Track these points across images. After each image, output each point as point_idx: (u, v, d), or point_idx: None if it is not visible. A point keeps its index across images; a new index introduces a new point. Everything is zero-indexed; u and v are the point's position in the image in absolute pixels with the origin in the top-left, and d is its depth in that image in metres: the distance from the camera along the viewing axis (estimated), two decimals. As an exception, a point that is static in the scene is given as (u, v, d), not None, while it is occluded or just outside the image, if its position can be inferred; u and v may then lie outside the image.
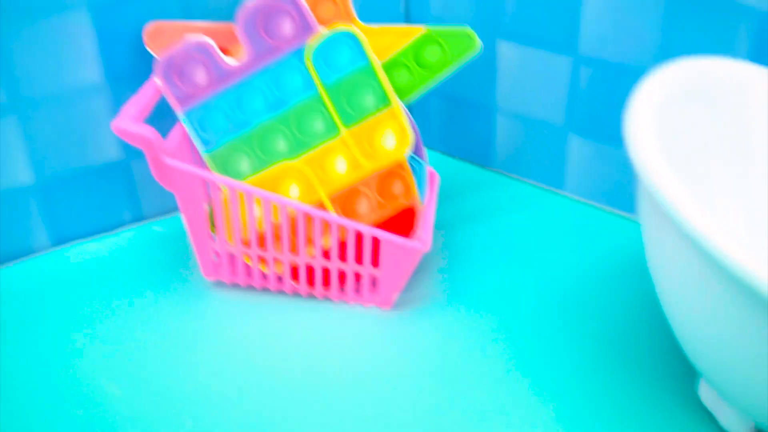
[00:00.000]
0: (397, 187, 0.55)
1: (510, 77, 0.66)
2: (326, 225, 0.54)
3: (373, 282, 0.56)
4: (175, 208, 0.66)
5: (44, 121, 0.58)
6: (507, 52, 0.65)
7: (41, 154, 0.59)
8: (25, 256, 0.62)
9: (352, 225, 0.53)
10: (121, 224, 0.65)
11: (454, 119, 0.71)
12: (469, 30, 0.54)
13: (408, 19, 0.71)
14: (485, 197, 0.68)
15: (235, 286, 0.58)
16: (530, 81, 0.65)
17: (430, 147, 0.74)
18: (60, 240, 0.63)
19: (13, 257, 0.61)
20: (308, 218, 0.54)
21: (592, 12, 0.59)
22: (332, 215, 0.53)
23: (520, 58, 0.65)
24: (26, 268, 0.61)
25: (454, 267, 0.60)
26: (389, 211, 0.55)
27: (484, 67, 0.66)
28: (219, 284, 0.58)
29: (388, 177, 0.54)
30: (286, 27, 0.52)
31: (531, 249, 0.62)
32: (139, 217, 0.65)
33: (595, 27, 0.59)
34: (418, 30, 0.55)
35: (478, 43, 0.54)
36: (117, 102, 0.60)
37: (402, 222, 0.55)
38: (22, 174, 0.59)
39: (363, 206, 0.55)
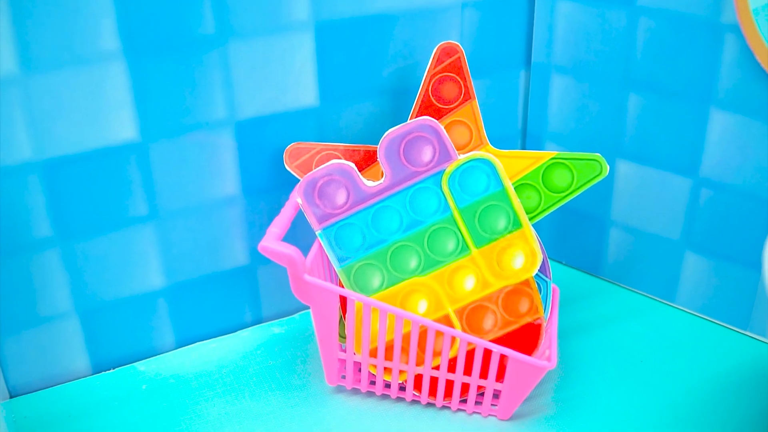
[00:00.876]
0: (524, 305, 0.56)
1: (626, 192, 0.66)
2: (453, 339, 0.55)
3: (495, 394, 0.57)
4: (294, 311, 0.68)
5: (180, 230, 0.60)
6: (625, 169, 0.66)
7: (174, 260, 0.61)
8: (153, 356, 0.63)
9: (481, 342, 0.54)
10: (242, 326, 0.66)
11: (567, 228, 0.72)
12: (598, 156, 0.55)
13: (524, 135, 0.72)
14: (597, 306, 0.68)
15: (356, 391, 0.59)
16: (647, 198, 0.65)
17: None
18: (185, 341, 0.64)
19: (141, 357, 0.63)
20: (436, 332, 0.55)
21: (715, 136, 0.60)
22: (460, 332, 0.54)
23: (638, 176, 0.65)
24: (153, 366, 0.62)
25: (568, 378, 0.60)
26: (514, 327, 0.56)
27: (602, 182, 0.67)
28: (340, 389, 0.59)
29: (514, 294, 0.55)
30: (426, 154, 0.54)
31: (644, 362, 0.62)
32: (259, 319, 0.67)
33: (718, 151, 0.60)
34: (549, 155, 0.56)
35: (607, 168, 0.55)
36: (249, 212, 0.62)
37: (525, 337, 0.56)
38: (154, 278, 0.61)
39: (488, 322, 0.56)
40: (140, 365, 0.63)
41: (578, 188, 0.56)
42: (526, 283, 0.55)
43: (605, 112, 0.65)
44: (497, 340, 0.55)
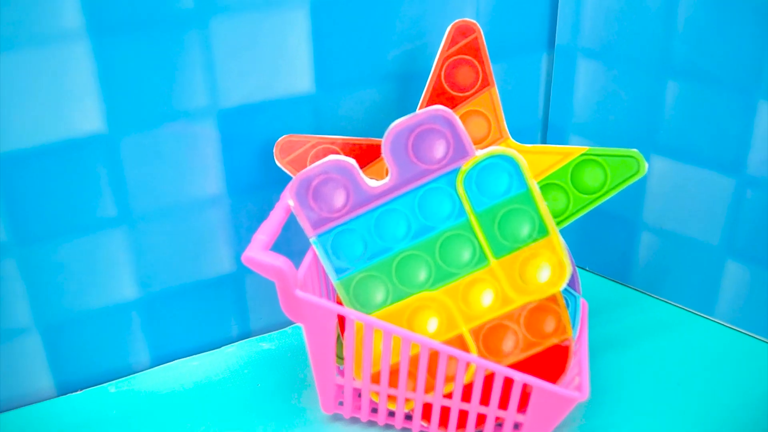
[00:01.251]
0: (549, 324, 0.49)
1: (660, 192, 0.60)
2: (467, 364, 0.48)
3: (516, 426, 0.50)
4: (286, 323, 0.62)
5: (155, 234, 0.54)
6: (660, 166, 0.60)
7: (148, 268, 0.55)
8: (125, 375, 0.57)
9: (500, 370, 0.47)
10: (227, 341, 0.59)
11: (593, 231, 0.65)
12: (636, 152, 0.49)
13: (545, 126, 0.67)
14: (627, 318, 0.62)
15: (355, 420, 0.52)
16: (683, 198, 0.59)
17: None
18: (162, 358, 0.58)
19: (112, 377, 0.57)
20: (449, 357, 0.48)
21: (764, 131, 0.54)
22: (476, 358, 0.47)
23: (674, 174, 0.59)
24: (125, 388, 0.56)
25: (597, 404, 0.54)
26: (538, 349, 0.49)
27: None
28: (337, 417, 0.53)
29: (539, 312, 0.49)
30: (439, 149, 0.47)
31: (681, 385, 0.55)
32: (246, 333, 0.60)
33: (766, 147, 0.54)
34: (579, 150, 0.50)
35: (645, 166, 0.49)
36: (235, 214, 0.56)
37: (551, 361, 0.49)
38: (126, 288, 0.54)
39: (509, 343, 0.49)
40: (111, 386, 0.56)
41: (612, 189, 0.50)
42: (553, 299, 0.48)
43: (639, 102, 0.60)
44: (519, 365, 0.49)
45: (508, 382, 0.49)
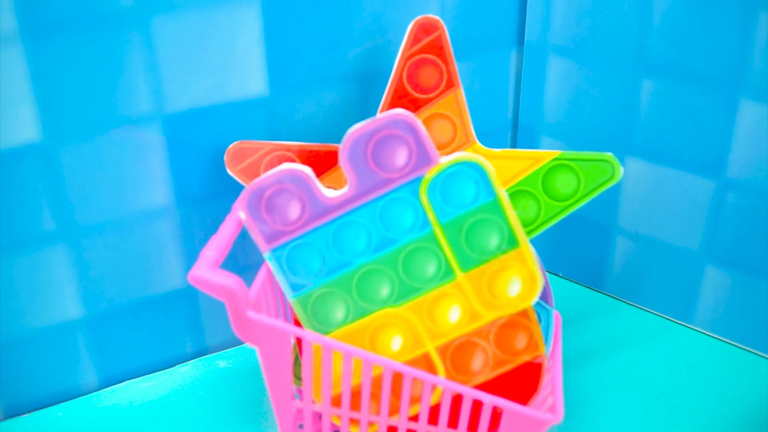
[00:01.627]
0: (521, 341, 0.46)
1: (636, 195, 0.58)
2: (434, 386, 0.45)
3: (486, 449, 0.47)
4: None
5: (99, 248, 0.51)
6: (635, 168, 0.58)
7: (93, 284, 0.51)
8: (73, 397, 0.54)
9: (468, 392, 0.44)
10: (181, 359, 0.56)
11: (565, 236, 0.63)
12: (610, 156, 0.46)
13: (515, 128, 0.64)
14: (602, 327, 0.59)
15: None
16: (660, 201, 0.57)
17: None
18: (111, 379, 0.55)
19: (61, 398, 0.53)
20: (414, 379, 0.45)
21: (745, 131, 0.52)
22: (442, 380, 0.44)
23: (651, 177, 0.57)
24: (74, 411, 0.53)
25: (572, 420, 0.51)
26: (509, 367, 0.46)
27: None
28: None
29: (509, 328, 0.46)
30: (401, 157, 0.44)
31: (660, 395, 0.53)
32: (201, 351, 0.57)
33: (748, 148, 0.52)
34: (551, 155, 0.47)
35: (620, 171, 0.46)
36: (185, 226, 0.53)
37: (523, 379, 0.46)
38: (69, 306, 0.51)
39: (478, 361, 0.46)
40: (59, 410, 0.53)
41: (586, 195, 0.47)
42: (524, 314, 0.45)
43: (612, 101, 0.57)
44: (489, 384, 0.46)
45: (478, 404, 0.46)
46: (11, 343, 0.50)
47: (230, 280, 0.43)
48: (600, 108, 0.58)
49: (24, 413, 0.53)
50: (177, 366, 0.57)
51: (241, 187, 0.52)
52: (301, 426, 0.49)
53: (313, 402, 0.47)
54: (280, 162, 0.50)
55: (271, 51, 0.51)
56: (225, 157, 0.50)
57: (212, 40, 0.49)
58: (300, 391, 0.49)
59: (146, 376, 0.56)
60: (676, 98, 0.54)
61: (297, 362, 0.49)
